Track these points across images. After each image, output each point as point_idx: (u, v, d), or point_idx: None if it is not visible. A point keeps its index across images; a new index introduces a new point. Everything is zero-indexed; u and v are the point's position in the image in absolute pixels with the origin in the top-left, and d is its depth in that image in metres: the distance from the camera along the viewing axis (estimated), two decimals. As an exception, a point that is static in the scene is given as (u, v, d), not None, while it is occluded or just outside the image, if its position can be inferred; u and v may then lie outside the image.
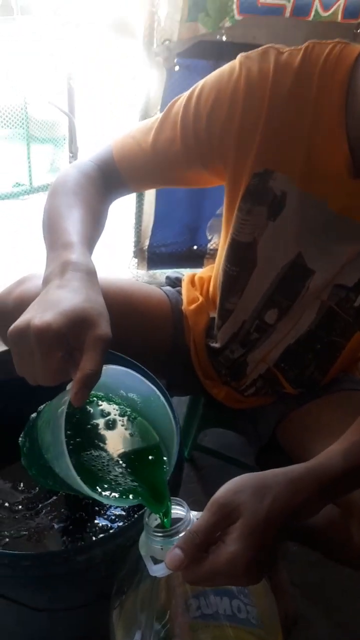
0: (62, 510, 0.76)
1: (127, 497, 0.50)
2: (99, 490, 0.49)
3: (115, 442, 0.55)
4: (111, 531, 0.72)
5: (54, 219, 0.65)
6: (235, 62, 0.69)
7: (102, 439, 0.55)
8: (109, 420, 0.57)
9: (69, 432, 0.53)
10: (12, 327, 0.49)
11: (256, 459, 1.02)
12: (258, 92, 0.66)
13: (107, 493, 0.50)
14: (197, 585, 0.50)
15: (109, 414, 0.58)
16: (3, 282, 1.64)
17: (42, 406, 0.60)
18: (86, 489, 0.46)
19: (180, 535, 0.47)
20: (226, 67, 0.70)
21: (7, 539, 0.71)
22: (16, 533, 0.72)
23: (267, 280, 0.77)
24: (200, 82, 0.72)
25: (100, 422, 0.57)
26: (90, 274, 0.55)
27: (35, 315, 0.47)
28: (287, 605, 0.90)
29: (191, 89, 0.73)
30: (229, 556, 0.43)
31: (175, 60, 1.29)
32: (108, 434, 0.56)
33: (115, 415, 0.58)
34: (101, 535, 0.72)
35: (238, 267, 0.78)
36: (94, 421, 0.57)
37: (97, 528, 0.73)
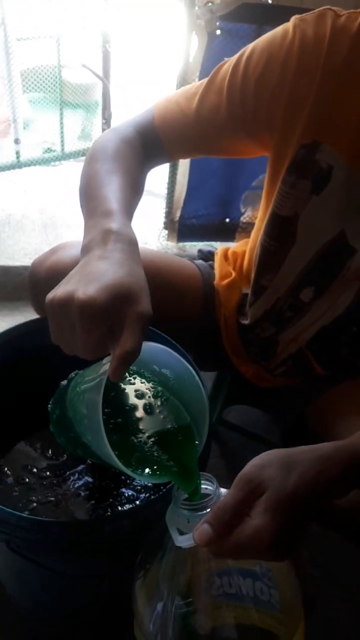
0: (89, 478, 0.77)
1: (158, 474, 0.50)
2: (131, 466, 0.49)
3: (147, 420, 0.55)
4: (138, 503, 0.73)
5: (93, 185, 0.63)
6: (289, 25, 0.65)
7: (135, 416, 0.55)
8: (141, 397, 0.57)
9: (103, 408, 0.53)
10: (53, 297, 0.48)
11: (281, 438, 1.01)
12: (312, 58, 0.63)
13: (139, 470, 0.50)
14: (223, 558, 0.49)
15: (142, 391, 0.57)
16: (34, 249, 1.66)
17: (72, 374, 0.60)
18: (120, 465, 0.46)
19: (208, 510, 0.46)
20: (279, 29, 0.66)
21: (35, 504, 0.73)
22: (43, 499, 0.74)
23: (305, 257, 0.74)
24: (250, 45, 0.68)
25: (133, 398, 0.57)
26: (132, 244, 0.54)
27: (79, 288, 0.47)
28: (306, 585, 0.90)
29: (240, 53, 0.69)
30: (253, 530, 0.43)
31: (218, 24, 1.23)
32: (140, 411, 0.56)
33: (148, 393, 0.58)
34: (127, 505, 0.73)
35: (277, 242, 0.76)
36: (127, 397, 0.57)
37: (123, 497, 0.74)
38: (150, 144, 0.75)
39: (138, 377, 0.59)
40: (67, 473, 0.78)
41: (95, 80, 2.10)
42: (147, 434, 0.54)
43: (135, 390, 0.58)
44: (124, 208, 0.59)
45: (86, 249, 0.54)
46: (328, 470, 0.45)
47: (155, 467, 0.50)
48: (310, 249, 0.73)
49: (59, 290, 0.48)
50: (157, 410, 0.56)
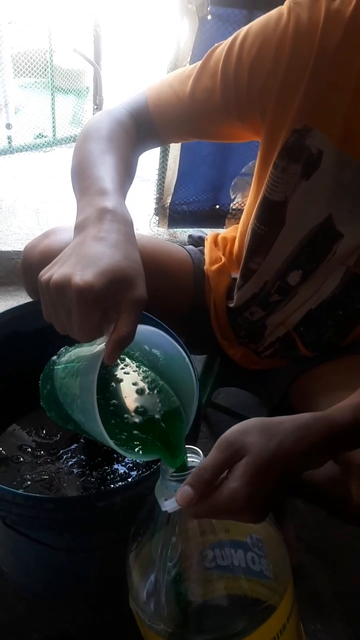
0: (82, 456, 0.80)
1: (147, 451, 0.52)
2: (122, 445, 0.51)
3: (136, 399, 0.56)
4: (130, 480, 0.75)
5: (86, 165, 0.62)
6: (284, 8, 0.65)
7: (124, 396, 0.56)
8: (131, 378, 0.58)
9: None
10: (49, 278, 0.48)
11: (269, 417, 1.03)
12: (306, 42, 0.63)
13: (128, 447, 0.51)
14: (201, 519, 0.51)
15: (131, 372, 0.59)
16: (25, 234, 1.66)
17: (63, 349, 0.60)
18: (112, 444, 0.47)
19: None
20: (273, 12, 0.66)
21: (29, 482, 0.75)
22: (37, 477, 0.76)
23: (293, 241, 0.76)
24: (244, 29, 0.68)
25: (123, 378, 0.58)
26: (127, 225, 0.53)
27: (75, 272, 0.46)
28: (291, 558, 0.93)
29: (233, 36, 0.69)
30: (230, 492, 0.44)
31: (209, 9, 1.23)
32: (129, 391, 0.57)
33: (137, 374, 0.59)
34: (120, 482, 0.75)
35: (267, 226, 0.77)
36: (117, 377, 0.58)
37: (115, 474, 0.77)
38: (143, 126, 0.75)
39: (127, 358, 0.60)
40: (61, 452, 0.80)
41: (86, 66, 2.08)
42: (135, 413, 0.55)
43: (125, 372, 0.59)
44: (119, 188, 0.58)
45: (80, 226, 0.53)
46: (306, 438, 0.46)
47: (143, 444, 0.52)
48: (298, 233, 0.75)
49: (55, 273, 0.48)
50: (146, 391, 0.58)
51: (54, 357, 0.61)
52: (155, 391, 0.57)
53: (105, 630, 0.76)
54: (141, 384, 0.58)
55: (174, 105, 0.73)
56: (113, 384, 0.58)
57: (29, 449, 0.79)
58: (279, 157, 0.70)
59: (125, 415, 0.55)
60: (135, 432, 0.53)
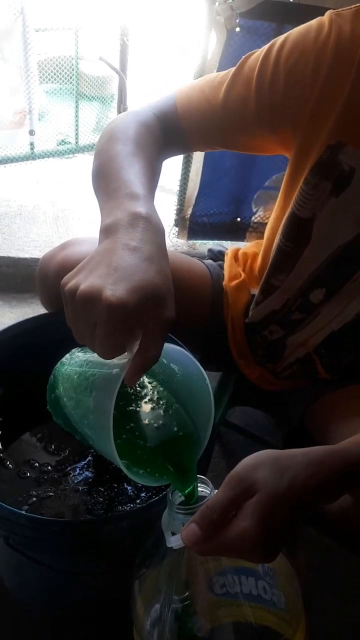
0: (90, 473, 0.77)
1: (156, 475, 0.49)
2: (131, 467, 0.49)
3: (149, 419, 0.54)
4: (139, 502, 0.73)
5: (114, 165, 0.59)
6: (324, 19, 0.63)
7: (137, 415, 0.54)
8: (146, 396, 0.56)
9: None
10: (75, 287, 0.45)
11: (284, 441, 1.01)
12: (348, 55, 0.60)
13: (138, 470, 0.49)
14: (207, 557, 0.49)
15: (147, 390, 0.56)
16: (44, 242, 1.66)
17: (75, 350, 0.57)
18: (122, 465, 0.45)
19: None
20: (313, 23, 0.63)
21: (34, 499, 0.73)
22: (43, 493, 0.73)
23: (318, 258, 0.73)
24: (282, 37, 0.66)
25: (138, 396, 0.56)
26: (160, 235, 0.50)
27: (106, 286, 0.43)
28: (302, 589, 0.90)
29: (270, 43, 0.67)
30: (239, 531, 0.42)
31: (237, 21, 1.22)
32: (143, 410, 0.55)
33: (153, 393, 0.57)
34: (127, 503, 0.73)
35: (292, 243, 0.74)
36: (131, 395, 0.56)
37: (123, 494, 0.74)
38: (169, 131, 0.72)
39: (147, 376, 0.58)
40: (68, 468, 0.78)
41: (111, 73, 2.09)
42: (148, 433, 0.53)
43: (139, 386, 0.57)
44: (150, 194, 0.55)
45: (110, 230, 0.49)
46: (319, 474, 0.44)
47: (153, 467, 0.50)
48: (324, 251, 0.72)
49: (83, 282, 0.44)
50: (160, 410, 0.55)
51: (64, 359, 0.58)
52: (170, 411, 0.55)
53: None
54: (155, 402, 0.56)
55: (205, 111, 0.71)
56: (125, 400, 0.55)
57: (36, 464, 0.78)
58: (311, 173, 0.68)
59: (137, 434, 0.53)
60: (145, 453, 0.51)
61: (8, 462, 0.77)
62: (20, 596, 0.79)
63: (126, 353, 0.46)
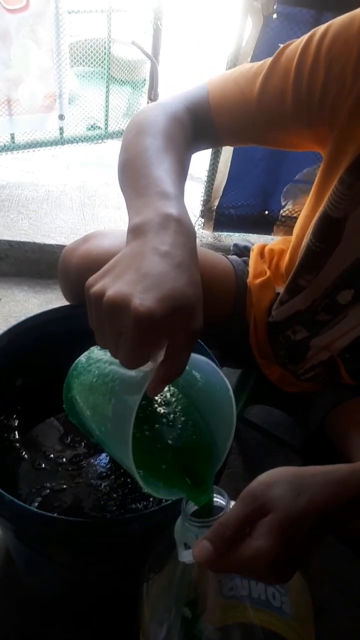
0: (104, 469, 0.77)
1: (171, 488, 0.48)
2: (144, 474, 0.48)
3: (167, 429, 0.53)
4: (151, 503, 0.72)
5: (143, 161, 0.56)
6: None
7: (155, 424, 0.53)
8: (165, 405, 0.54)
9: None
10: (101, 292, 0.42)
11: (303, 443, 0.99)
12: None
13: (152, 478, 0.48)
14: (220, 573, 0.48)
15: (167, 399, 0.55)
16: (70, 228, 1.66)
17: (93, 349, 0.55)
18: (137, 476, 0.44)
19: None
20: (357, 12, 0.59)
21: (48, 490, 0.73)
22: (57, 486, 0.74)
23: (348, 259, 0.70)
24: (323, 27, 0.62)
25: (156, 405, 0.54)
26: (192, 239, 0.47)
27: (135, 294, 0.41)
28: (315, 594, 0.89)
29: (310, 33, 0.63)
30: (253, 552, 0.41)
31: (275, 7, 1.18)
32: (161, 419, 0.53)
33: (170, 397, 0.55)
34: (141, 500, 0.72)
35: (323, 244, 0.71)
36: (150, 403, 0.54)
37: (137, 492, 0.74)
38: (200, 125, 0.69)
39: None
40: (83, 462, 0.78)
41: (143, 58, 2.06)
42: (164, 443, 0.52)
43: (160, 396, 0.55)
44: (181, 193, 0.52)
45: (139, 231, 0.46)
46: (340, 496, 0.42)
47: (169, 478, 0.49)
48: (355, 252, 0.69)
49: (110, 288, 0.42)
50: (178, 420, 0.54)
51: (82, 358, 0.56)
52: (189, 421, 0.53)
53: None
54: (172, 410, 0.54)
55: (239, 105, 0.67)
56: (146, 409, 0.54)
57: (52, 456, 0.78)
58: (347, 172, 0.64)
59: (153, 442, 0.51)
60: (161, 463, 0.50)
61: (24, 452, 0.78)
62: (31, 585, 0.79)
63: (149, 362, 0.44)
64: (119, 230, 0.84)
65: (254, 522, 0.42)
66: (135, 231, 0.47)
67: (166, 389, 0.56)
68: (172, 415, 0.53)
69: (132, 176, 0.55)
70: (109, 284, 0.43)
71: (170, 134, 0.62)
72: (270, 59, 0.66)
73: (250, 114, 0.67)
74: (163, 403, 0.55)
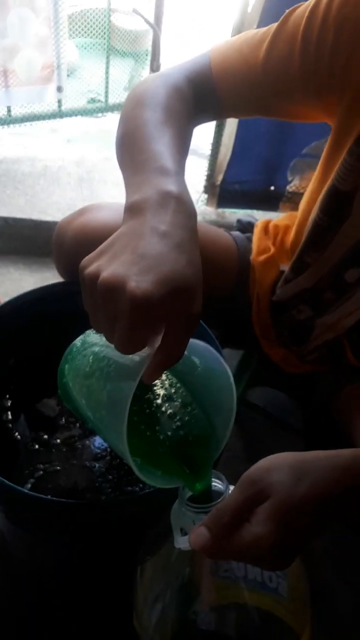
0: (99, 450, 0.75)
1: (167, 473, 0.46)
2: (139, 462, 0.46)
3: (162, 414, 0.50)
4: (147, 490, 0.70)
5: (141, 135, 0.54)
6: None
7: (151, 411, 0.50)
8: (159, 389, 0.52)
9: None
10: (95, 273, 0.40)
11: (305, 425, 0.97)
12: None
13: (147, 465, 0.46)
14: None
15: (164, 385, 0.52)
16: (67, 204, 1.61)
17: (89, 332, 0.53)
18: (132, 464, 0.42)
19: None
20: None
21: (41, 472, 0.71)
22: (50, 467, 0.72)
23: (356, 235, 0.67)
24: None
25: (151, 388, 0.51)
26: (192, 218, 0.45)
27: (131, 276, 0.39)
28: (315, 577, 0.87)
29: None
30: (253, 538, 0.39)
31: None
32: (155, 403, 0.51)
33: (167, 381, 0.52)
34: (136, 483, 0.70)
35: (330, 218, 0.68)
36: (147, 389, 0.52)
37: (132, 474, 0.71)
38: (202, 96, 0.66)
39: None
40: (78, 443, 0.76)
41: (146, 28, 1.99)
42: (160, 430, 0.49)
43: (157, 383, 0.52)
44: (181, 169, 0.50)
45: (137, 209, 0.44)
46: (343, 482, 0.40)
47: (164, 467, 0.47)
48: None
49: (105, 269, 0.40)
50: (175, 406, 0.51)
51: (77, 342, 0.54)
52: (186, 408, 0.50)
53: (112, 632, 0.73)
54: (169, 396, 0.51)
55: (243, 74, 0.64)
56: (138, 393, 0.51)
57: (45, 437, 0.76)
58: (357, 142, 0.61)
59: (149, 429, 0.49)
60: (157, 450, 0.47)
61: (17, 433, 0.76)
62: (23, 566, 0.78)
63: (146, 347, 0.42)
64: (117, 203, 0.81)
65: (252, 508, 0.40)
66: (133, 209, 0.44)
67: (163, 375, 0.53)
68: (168, 403, 0.51)
69: (130, 150, 0.53)
70: (104, 265, 0.41)
71: (171, 107, 0.59)
72: (275, 24, 0.63)
73: (256, 82, 0.64)
74: (160, 390, 0.52)
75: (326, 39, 0.58)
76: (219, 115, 0.72)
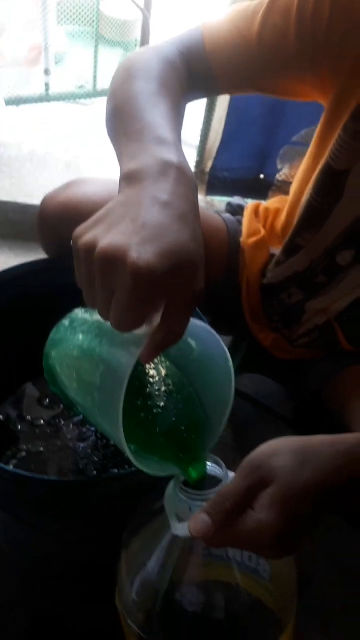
0: (85, 430, 0.73)
1: (161, 460, 0.45)
2: (135, 449, 0.44)
3: (155, 400, 0.48)
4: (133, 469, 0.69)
5: (135, 105, 0.51)
6: None
7: (145, 395, 0.48)
8: (153, 369, 0.49)
9: None
10: (91, 243, 0.38)
11: (295, 413, 0.96)
12: None
13: (142, 454, 0.45)
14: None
15: (158, 368, 0.49)
16: (54, 187, 1.58)
17: (77, 311, 0.50)
18: (127, 450, 0.40)
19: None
20: None
21: (24, 453, 0.69)
22: (34, 448, 0.70)
23: (350, 217, 0.66)
24: None
25: (146, 371, 0.49)
26: (194, 190, 0.42)
27: (132, 246, 0.36)
28: (305, 563, 0.87)
29: None
30: (255, 525, 0.38)
31: None
32: (150, 387, 0.48)
33: (162, 366, 0.50)
34: (123, 464, 0.69)
35: (323, 199, 0.67)
36: (142, 371, 0.49)
37: (119, 456, 0.70)
38: (196, 71, 0.63)
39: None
40: (62, 423, 0.73)
41: (136, 17, 1.97)
42: (154, 415, 0.47)
43: (153, 364, 0.50)
44: (179, 141, 0.47)
45: (135, 177, 0.41)
46: (346, 468, 0.39)
47: (159, 453, 0.45)
48: (356, 209, 0.65)
49: (102, 238, 0.37)
50: (169, 391, 0.48)
51: (64, 322, 0.51)
52: (181, 393, 0.48)
53: (98, 617, 0.71)
54: (163, 380, 0.48)
55: (237, 48, 0.62)
56: (137, 379, 0.48)
57: (29, 417, 0.73)
58: (352, 119, 0.59)
59: (143, 414, 0.46)
60: (151, 437, 0.46)
61: (0, 416, 0.73)
62: (7, 549, 0.75)
63: (144, 326, 0.40)
64: (104, 178, 0.79)
65: (254, 494, 0.39)
66: (130, 178, 0.42)
67: (157, 359, 0.51)
68: (163, 388, 0.48)
69: (124, 122, 0.50)
70: (102, 235, 0.38)
71: (165, 79, 0.56)
72: None
73: (250, 55, 0.62)
74: (153, 373, 0.49)
75: (322, 11, 0.56)
76: (212, 91, 0.70)
